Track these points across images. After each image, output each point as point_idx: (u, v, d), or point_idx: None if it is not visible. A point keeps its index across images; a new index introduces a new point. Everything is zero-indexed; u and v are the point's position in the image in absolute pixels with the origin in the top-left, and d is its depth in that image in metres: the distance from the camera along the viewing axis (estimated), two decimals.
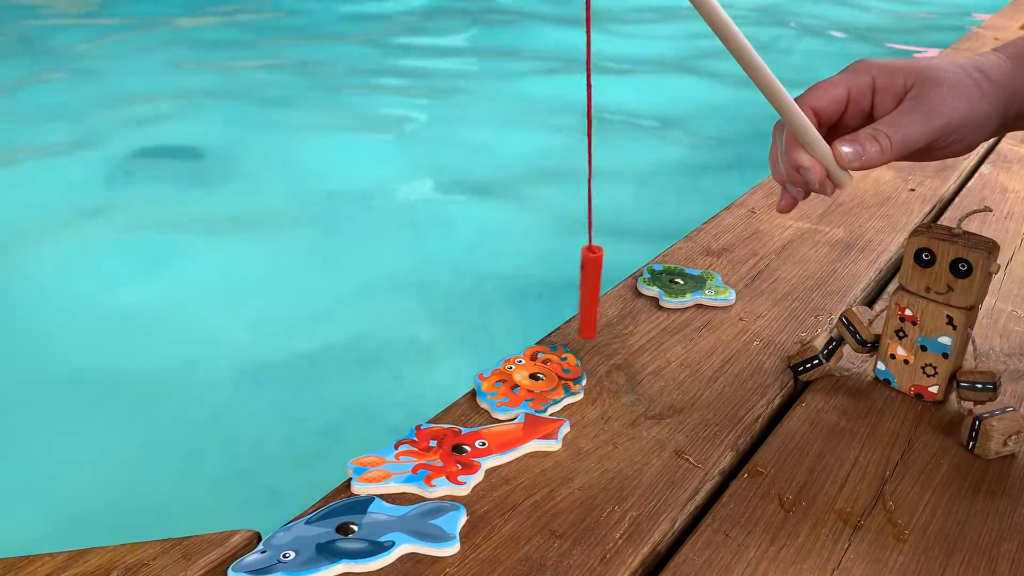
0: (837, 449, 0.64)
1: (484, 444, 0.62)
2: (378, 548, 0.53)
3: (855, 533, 0.56)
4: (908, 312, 0.68)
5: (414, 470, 0.59)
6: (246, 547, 0.54)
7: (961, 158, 1.22)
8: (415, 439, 0.62)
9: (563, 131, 2.14)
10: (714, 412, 0.67)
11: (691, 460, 0.62)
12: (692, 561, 0.54)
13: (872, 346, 0.71)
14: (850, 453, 0.63)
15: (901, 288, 0.68)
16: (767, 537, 0.56)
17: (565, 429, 0.64)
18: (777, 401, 0.70)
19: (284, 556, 0.52)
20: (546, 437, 0.63)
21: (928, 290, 0.66)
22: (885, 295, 0.87)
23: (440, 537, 0.54)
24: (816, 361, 0.71)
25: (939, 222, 0.85)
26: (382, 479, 0.59)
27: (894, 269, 0.94)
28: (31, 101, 2.33)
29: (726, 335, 0.78)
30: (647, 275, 0.86)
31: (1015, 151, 1.26)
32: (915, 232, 0.66)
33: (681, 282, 0.85)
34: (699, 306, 0.82)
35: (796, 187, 0.60)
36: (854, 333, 0.71)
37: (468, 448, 0.61)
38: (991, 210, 0.65)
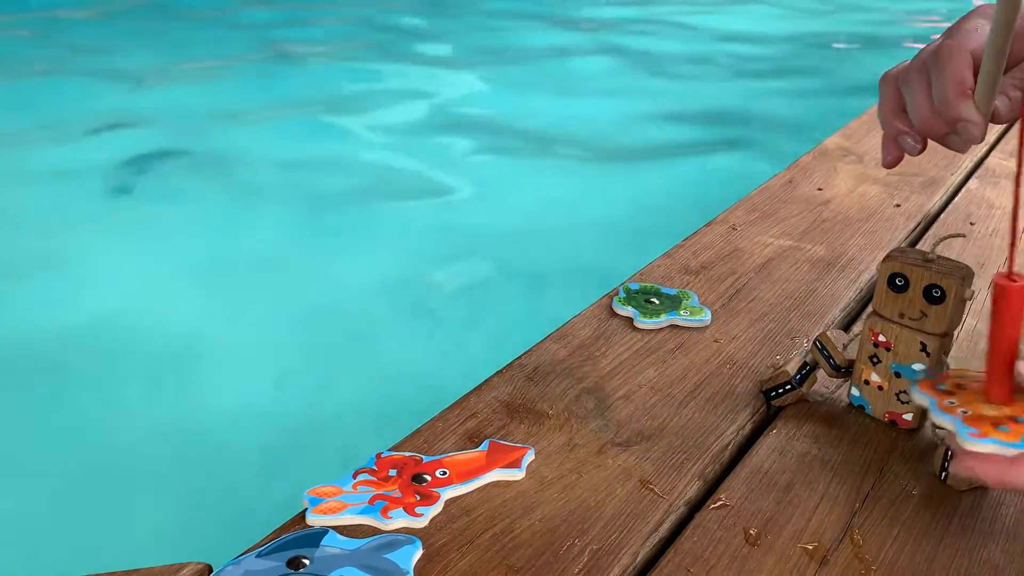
0: (807, 479, 0.62)
1: (445, 473, 0.61)
2: None
3: (820, 568, 0.55)
4: (882, 338, 0.66)
5: (371, 500, 0.58)
6: None
7: (949, 172, 1.21)
8: (375, 468, 0.61)
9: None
10: (682, 439, 0.66)
11: (656, 491, 0.61)
12: None
13: (847, 371, 0.70)
14: (820, 483, 0.62)
15: (875, 313, 0.66)
16: (731, 572, 0.54)
17: (530, 457, 0.63)
18: (748, 427, 0.69)
19: None
20: (509, 466, 0.61)
21: (902, 315, 0.65)
22: (865, 316, 0.86)
23: (392, 573, 0.52)
24: (788, 386, 0.70)
25: (919, 244, 0.84)
26: (337, 510, 0.57)
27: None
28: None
29: (699, 357, 0.76)
30: (623, 294, 0.85)
31: (1003, 165, 1.25)
32: (888, 257, 0.65)
33: (656, 302, 0.84)
34: (674, 327, 0.81)
35: (918, 142, 0.56)
36: (828, 358, 0.70)
37: (428, 477, 0.60)
38: (964, 235, 0.64)
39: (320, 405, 1.21)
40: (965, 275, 0.62)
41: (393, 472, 0.61)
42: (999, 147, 1.33)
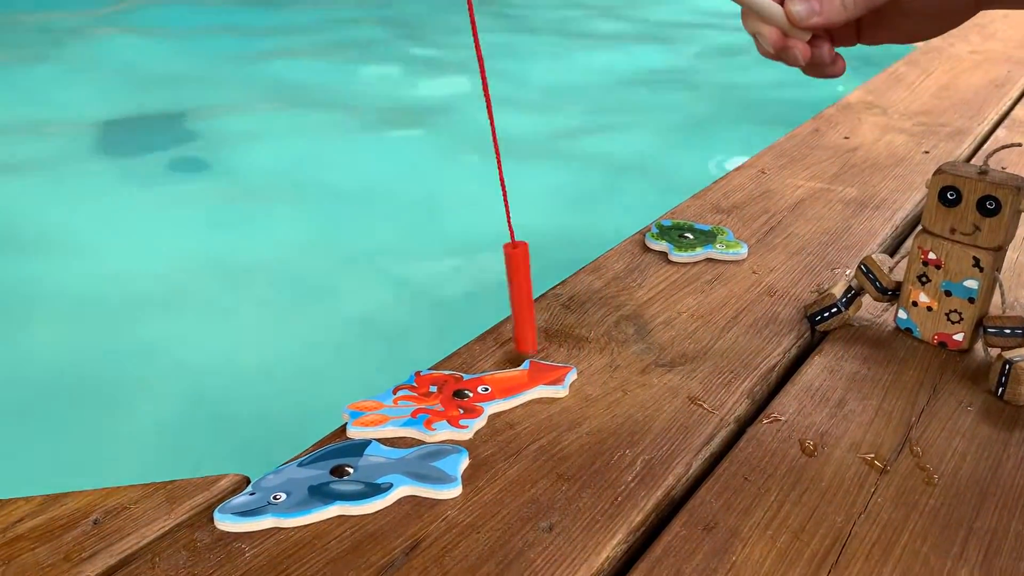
0: (860, 395, 0.60)
1: (487, 390, 0.59)
2: (375, 490, 0.50)
3: (881, 477, 0.53)
4: (932, 255, 0.64)
5: (413, 414, 0.56)
6: (234, 491, 0.51)
7: (975, 123, 1.19)
8: (414, 384, 0.59)
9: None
10: (728, 360, 0.64)
11: (705, 406, 0.59)
12: (709, 504, 0.50)
13: (893, 294, 0.68)
14: (873, 400, 0.60)
15: (924, 230, 0.65)
16: (789, 481, 0.52)
17: (572, 376, 0.61)
18: (794, 351, 0.67)
19: (275, 498, 0.49)
20: (552, 383, 0.60)
21: (953, 231, 0.63)
22: (903, 250, 0.84)
23: (441, 479, 0.51)
24: (834, 309, 0.68)
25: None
26: (379, 423, 0.55)
27: (911, 226, 0.91)
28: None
29: (739, 287, 0.75)
30: (655, 230, 0.83)
31: (1009, 142, 1.23)
32: (939, 171, 0.63)
33: (691, 236, 0.82)
34: (710, 260, 0.79)
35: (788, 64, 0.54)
36: (874, 281, 0.68)
37: (470, 393, 0.58)
38: (1021, 144, 0.62)
39: (354, 327, 1.20)
40: (1020, 185, 0.60)
41: (434, 388, 0.59)
42: (1022, 101, 1.31)
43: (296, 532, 0.48)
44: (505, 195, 0.57)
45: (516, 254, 0.59)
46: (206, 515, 0.49)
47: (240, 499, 0.49)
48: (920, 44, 1.62)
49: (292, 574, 0.45)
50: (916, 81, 1.38)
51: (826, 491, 0.51)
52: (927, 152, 1.08)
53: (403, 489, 0.50)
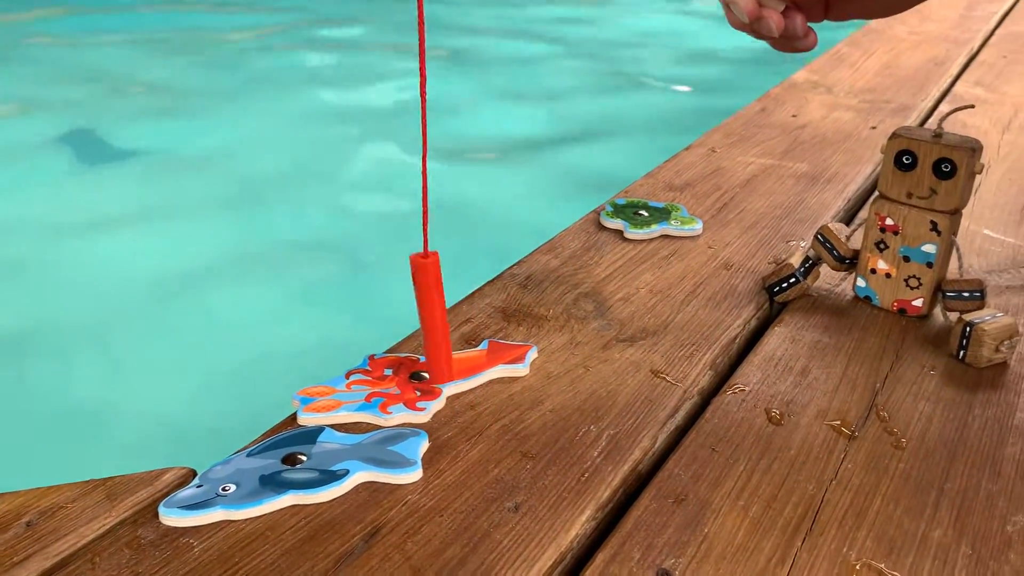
0: (823, 363, 0.60)
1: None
2: (330, 477, 0.47)
3: (850, 443, 0.52)
4: (889, 221, 0.64)
5: (368, 398, 0.54)
6: (179, 485, 0.48)
7: (919, 99, 1.20)
8: (368, 368, 0.57)
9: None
10: (689, 333, 0.63)
11: (668, 379, 0.57)
12: (678, 477, 0.49)
13: (851, 263, 0.67)
14: (836, 367, 0.59)
15: (881, 196, 0.64)
16: (757, 450, 0.51)
17: (533, 354, 0.59)
18: (754, 323, 0.66)
19: (223, 489, 0.46)
20: (512, 362, 0.58)
21: (910, 195, 0.62)
22: (858, 220, 0.84)
23: (400, 463, 0.48)
24: (793, 280, 0.67)
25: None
26: (332, 408, 0.53)
27: (863, 198, 0.91)
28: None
29: (695, 262, 0.73)
30: (610, 208, 0.81)
31: (970, 93, 1.25)
32: (894, 135, 0.62)
33: (646, 214, 0.80)
34: (665, 236, 0.78)
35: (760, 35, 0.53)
36: (831, 250, 0.67)
37: (427, 375, 0.56)
38: (974, 106, 0.62)
39: (301, 316, 1.17)
40: (975, 147, 0.60)
41: (389, 372, 0.56)
42: (963, 77, 1.32)
43: (247, 524, 0.45)
44: (425, 197, 0.51)
45: (427, 264, 0.51)
46: (150, 511, 0.46)
47: (186, 492, 0.46)
48: (860, 26, 1.63)
49: (244, 568, 0.42)
50: (859, 61, 1.39)
51: (795, 459, 0.50)
52: (874, 128, 1.08)
53: (360, 475, 0.48)
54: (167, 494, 0.47)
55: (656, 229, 0.78)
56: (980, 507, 0.47)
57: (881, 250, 0.65)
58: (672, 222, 0.79)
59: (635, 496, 0.48)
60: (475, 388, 0.56)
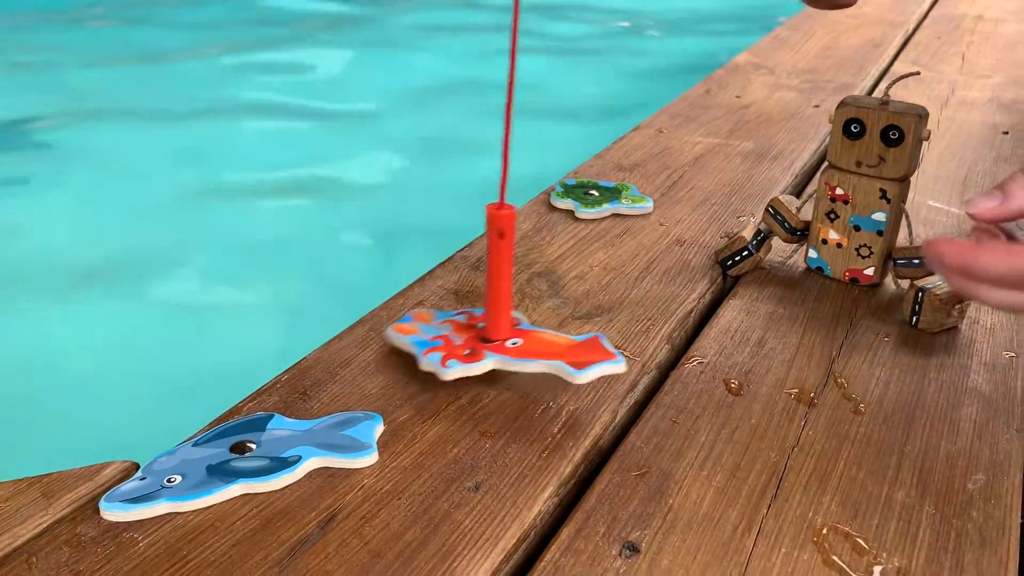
0: (779, 333, 0.59)
1: (517, 343, 0.52)
2: (281, 464, 0.45)
3: (810, 410, 0.51)
4: (839, 191, 0.64)
5: (433, 337, 0.53)
6: (122, 479, 0.46)
7: (858, 79, 1.21)
8: (475, 314, 0.56)
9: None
10: (644, 308, 0.62)
11: (626, 354, 0.57)
12: (640, 449, 0.48)
13: (802, 234, 0.67)
14: (792, 337, 0.59)
15: (830, 166, 0.64)
16: (718, 420, 0.50)
17: (611, 368, 0.50)
18: (708, 296, 0.66)
19: (168, 481, 0.44)
20: (580, 366, 0.49)
21: (859, 164, 0.62)
22: (807, 192, 0.84)
23: (354, 447, 0.47)
24: (746, 252, 0.67)
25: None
26: (410, 333, 0.55)
27: (810, 173, 0.91)
28: None
29: (648, 239, 0.73)
30: (560, 189, 0.80)
31: (907, 71, 1.26)
32: (842, 104, 0.62)
33: (596, 194, 0.80)
34: (616, 215, 0.77)
35: None
36: (782, 222, 0.67)
37: (497, 341, 0.52)
38: (919, 73, 0.62)
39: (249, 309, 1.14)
40: (922, 113, 0.60)
41: (481, 325, 0.54)
42: (900, 57, 1.35)
43: (195, 516, 0.43)
44: (507, 147, 0.48)
45: (500, 216, 0.49)
46: (91, 507, 0.44)
47: (129, 485, 0.44)
48: (799, 11, 1.65)
49: (193, 560, 0.40)
50: (799, 43, 1.40)
51: (756, 428, 0.50)
52: (817, 106, 1.09)
53: (313, 461, 0.46)
54: (108, 489, 0.45)
55: (607, 208, 0.77)
56: (941, 467, 0.47)
57: (832, 220, 0.65)
58: (623, 201, 0.78)
59: (597, 471, 0.47)
60: (424, 371, 0.54)
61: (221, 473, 0.45)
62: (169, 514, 0.43)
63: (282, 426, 0.48)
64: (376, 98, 2.04)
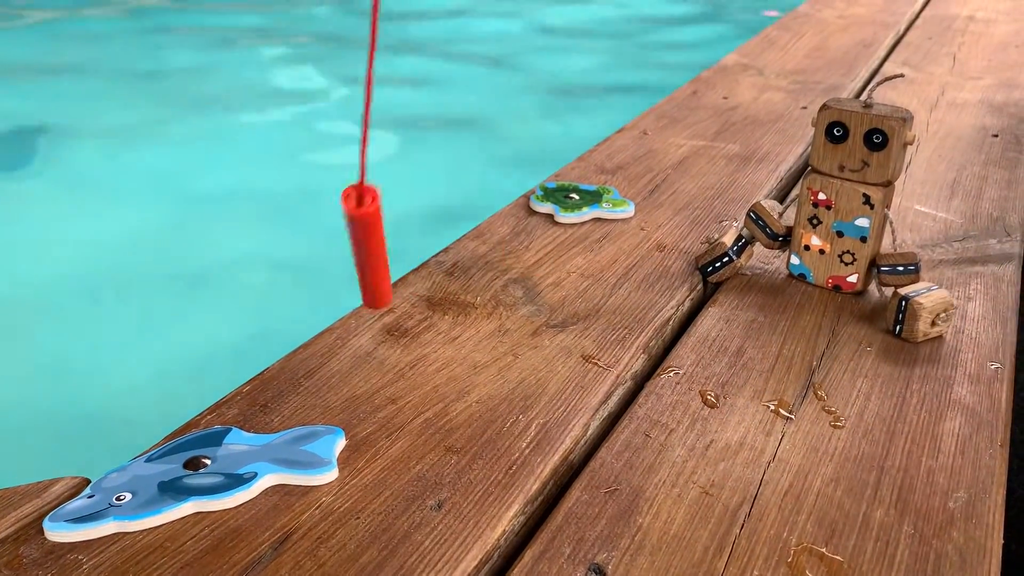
0: (757, 344, 0.58)
1: None
2: (236, 481, 0.43)
3: (788, 424, 0.50)
4: (821, 196, 0.62)
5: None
6: (71, 496, 0.44)
7: (848, 79, 1.19)
8: None
9: None
10: (621, 317, 0.60)
11: (601, 364, 0.55)
12: (610, 465, 0.46)
13: (784, 240, 0.66)
14: (772, 347, 0.57)
15: (813, 171, 0.62)
16: (692, 434, 0.49)
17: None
18: (687, 304, 0.64)
19: (117, 499, 0.42)
20: None
21: (842, 168, 0.61)
22: (790, 199, 0.82)
23: (313, 463, 0.45)
24: (726, 259, 0.65)
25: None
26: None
27: (796, 177, 0.90)
28: None
29: (628, 244, 0.71)
30: (540, 192, 0.79)
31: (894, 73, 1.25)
32: (824, 107, 0.61)
33: (576, 197, 0.78)
34: (597, 220, 0.76)
35: None
36: (764, 227, 0.65)
37: None
38: (903, 75, 0.60)
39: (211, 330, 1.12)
40: (906, 117, 0.59)
41: None
42: (891, 58, 1.33)
43: (144, 536, 0.41)
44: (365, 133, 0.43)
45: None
46: (36, 526, 0.42)
47: (76, 504, 0.42)
48: (788, 11, 1.64)
49: None
50: (788, 44, 1.39)
51: (732, 442, 0.48)
52: (805, 108, 1.08)
53: (270, 478, 0.44)
54: (56, 507, 0.43)
55: (587, 212, 0.75)
56: (921, 484, 0.45)
57: (814, 226, 0.63)
58: (604, 205, 0.77)
59: (566, 488, 0.45)
60: (396, 381, 0.53)
61: (173, 490, 0.43)
62: (117, 534, 0.41)
63: (239, 441, 0.47)
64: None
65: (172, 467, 0.44)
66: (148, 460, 0.45)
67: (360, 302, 0.39)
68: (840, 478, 0.46)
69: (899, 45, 1.41)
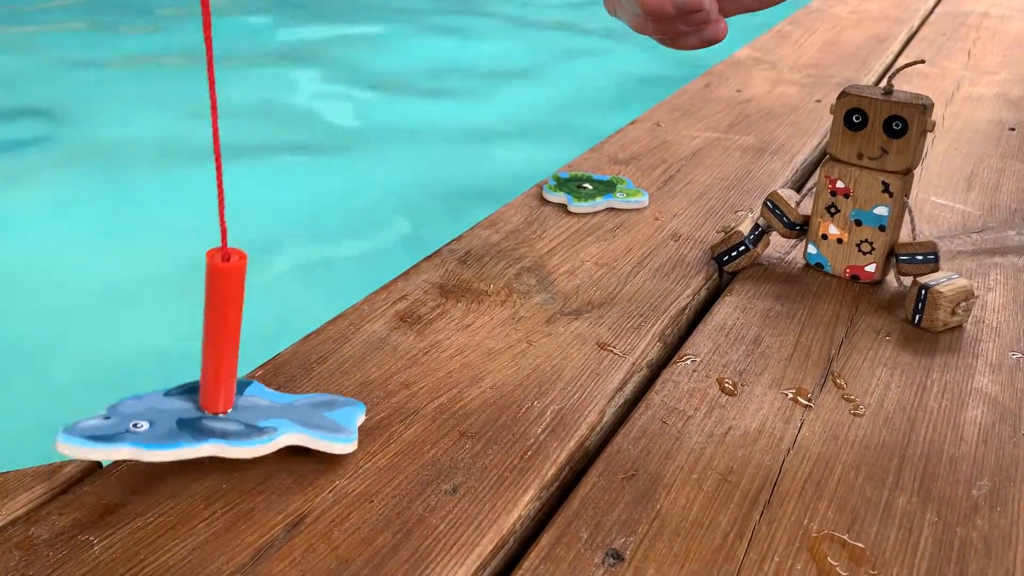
0: (776, 331, 0.57)
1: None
2: (257, 432, 0.42)
3: (807, 412, 0.49)
4: (840, 184, 0.61)
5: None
6: (83, 479, 0.43)
7: (861, 74, 1.19)
8: None
9: None
10: (636, 305, 0.60)
11: (616, 351, 0.54)
12: (627, 451, 0.46)
13: (801, 229, 0.65)
14: (790, 335, 0.57)
15: (831, 158, 0.62)
16: (710, 421, 0.48)
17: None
18: (703, 293, 0.63)
19: (135, 425, 0.41)
20: None
21: (861, 156, 0.60)
22: (807, 187, 0.82)
23: (335, 430, 0.44)
24: (742, 248, 0.64)
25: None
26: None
27: (811, 168, 0.89)
28: None
29: (642, 234, 0.70)
30: (553, 182, 0.78)
31: (913, 68, 1.24)
32: (843, 94, 0.60)
33: (590, 187, 0.77)
34: (611, 209, 0.75)
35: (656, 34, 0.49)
36: (781, 216, 0.65)
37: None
38: (924, 61, 0.59)
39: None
40: (926, 104, 0.58)
41: None
42: (905, 52, 1.32)
43: (156, 518, 0.40)
44: (221, 190, 0.39)
45: (230, 269, 0.39)
46: (47, 508, 0.41)
47: (92, 422, 0.41)
48: (802, 6, 1.63)
49: (151, 565, 0.38)
50: (801, 38, 1.38)
51: (750, 429, 0.48)
52: (819, 101, 1.07)
53: (289, 437, 0.43)
54: (66, 491, 0.42)
55: (601, 202, 0.75)
56: (944, 472, 0.45)
57: (832, 214, 0.63)
58: (617, 194, 0.76)
59: (582, 474, 0.45)
60: (409, 368, 0.52)
61: (192, 429, 0.42)
62: (126, 518, 0.40)
63: (261, 394, 0.46)
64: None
65: (190, 406, 0.43)
66: (166, 394, 0.44)
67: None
68: (861, 465, 0.45)
69: (913, 40, 1.40)
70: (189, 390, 0.44)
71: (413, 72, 2.19)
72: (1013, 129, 0.98)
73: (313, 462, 0.44)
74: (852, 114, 0.60)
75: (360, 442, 0.45)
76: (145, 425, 0.41)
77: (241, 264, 0.40)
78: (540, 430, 0.47)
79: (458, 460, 0.44)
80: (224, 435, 0.41)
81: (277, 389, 0.49)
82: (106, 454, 0.40)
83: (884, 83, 0.60)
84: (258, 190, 1.50)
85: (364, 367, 0.52)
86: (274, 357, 0.53)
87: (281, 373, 0.51)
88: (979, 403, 0.50)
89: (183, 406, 0.43)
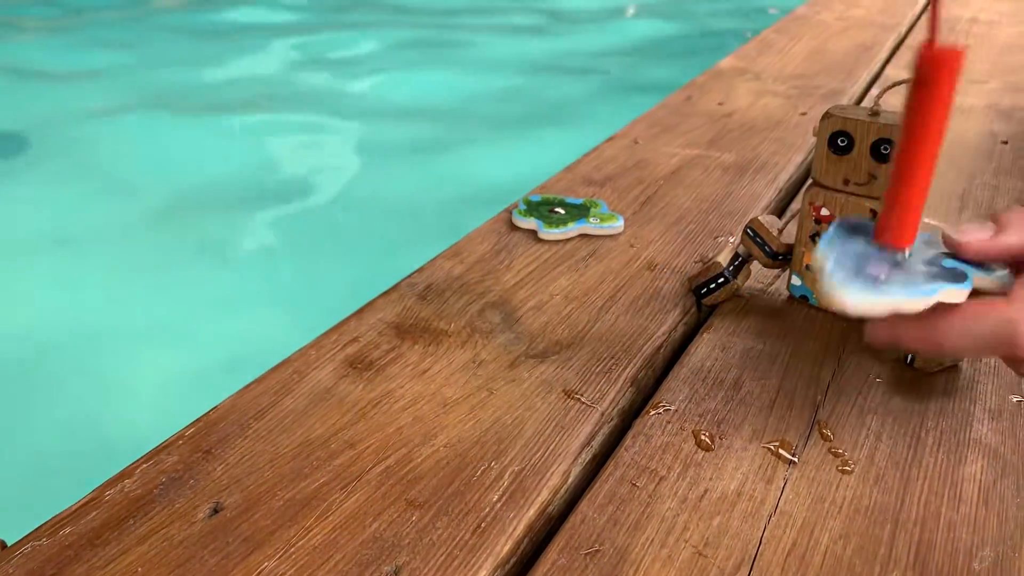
0: (757, 375, 0.53)
1: None
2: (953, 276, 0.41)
3: (791, 469, 0.45)
4: (824, 211, 0.57)
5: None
6: None
7: (848, 84, 1.15)
8: None
9: None
10: (607, 345, 0.55)
11: (584, 400, 0.50)
12: (592, 520, 0.41)
13: (784, 258, 0.60)
14: (772, 379, 0.52)
15: (815, 184, 0.57)
16: (684, 483, 0.44)
17: None
18: (680, 329, 0.59)
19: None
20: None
21: (847, 182, 0.56)
22: (791, 211, 0.77)
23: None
24: (721, 280, 0.60)
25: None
26: None
27: (796, 187, 0.85)
28: None
29: (616, 263, 0.66)
30: (523, 207, 0.74)
31: (901, 76, 1.20)
32: (827, 115, 0.56)
33: (562, 211, 0.73)
34: (584, 236, 0.71)
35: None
36: (762, 245, 0.60)
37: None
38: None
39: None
40: None
41: None
42: (893, 61, 1.28)
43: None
44: None
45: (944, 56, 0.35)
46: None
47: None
48: (787, 13, 1.59)
49: None
50: (786, 47, 1.34)
51: (728, 492, 0.43)
52: (804, 113, 1.03)
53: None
54: None
55: (573, 228, 0.70)
56: (941, 540, 0.40)
57: (817, 243, 0.58)
58: (591, 220, 0.72)
59: (542, 546, 0.40)
60: (356, 423, 0.47)
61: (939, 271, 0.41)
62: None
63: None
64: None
65: (864, 247, 0.41)
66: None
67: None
68: (850, 534, 0.41)
69: (901, 48, 1.36)
70: (850, 229, 0.43)
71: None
72: (1006, 142, 0.94)
73: (238, 541, 0.39)
74: (837, 137, 0.55)
75: (294, 516, 0.41)
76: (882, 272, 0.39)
77: (957, 54, 0.34)
78: (496, 497, 0.42)
79: (403, 535, 0.40)
80: (953, 276, 0.41)
81: (207, 452, 0.45)
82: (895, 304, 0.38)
83: (872, 102, 0.56)
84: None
85: (307, 422, 0.47)
86: (207, 413, 0.48)
87: (214, 432, 0.46)
88: (978, 456, 0.46)
89: (861, 249, 0.41)
